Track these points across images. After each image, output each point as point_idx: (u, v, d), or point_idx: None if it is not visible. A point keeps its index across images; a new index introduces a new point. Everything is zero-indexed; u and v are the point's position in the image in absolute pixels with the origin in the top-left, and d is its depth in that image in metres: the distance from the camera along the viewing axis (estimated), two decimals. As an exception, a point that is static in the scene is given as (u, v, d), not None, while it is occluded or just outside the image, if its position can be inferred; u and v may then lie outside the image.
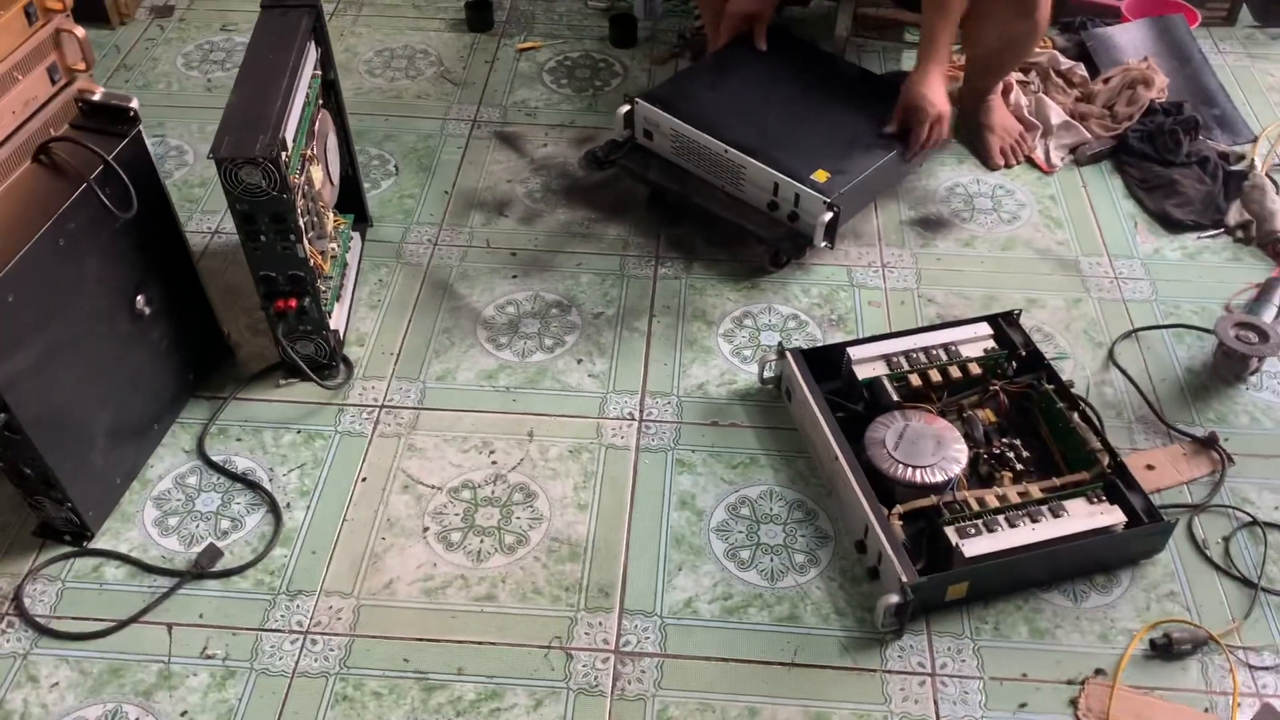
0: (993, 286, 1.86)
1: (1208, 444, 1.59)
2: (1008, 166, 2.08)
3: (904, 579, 1.34)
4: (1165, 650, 1.36)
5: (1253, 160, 2.08)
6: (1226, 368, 1.69)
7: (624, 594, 1.41)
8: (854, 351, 1.62)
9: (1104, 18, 2.40)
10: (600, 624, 1.38)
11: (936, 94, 1.84)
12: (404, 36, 2.43)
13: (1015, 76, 2.18)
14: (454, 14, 2.50)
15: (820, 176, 1.77)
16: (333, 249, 1.69)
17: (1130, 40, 2.28)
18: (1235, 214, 1.97)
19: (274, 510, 1.50)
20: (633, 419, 1.63)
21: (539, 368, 1.71)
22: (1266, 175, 2.01)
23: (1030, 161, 2.11)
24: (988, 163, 2.09)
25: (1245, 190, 1.99)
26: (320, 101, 1.66)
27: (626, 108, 1.89)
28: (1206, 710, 1.31)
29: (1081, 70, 2.23)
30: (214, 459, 1.56)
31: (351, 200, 1.86)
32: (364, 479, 1.54)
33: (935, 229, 1.97)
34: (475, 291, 1.83)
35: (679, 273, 1.87)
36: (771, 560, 1.45)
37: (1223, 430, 1.62)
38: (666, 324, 1.78)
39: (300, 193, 1.51)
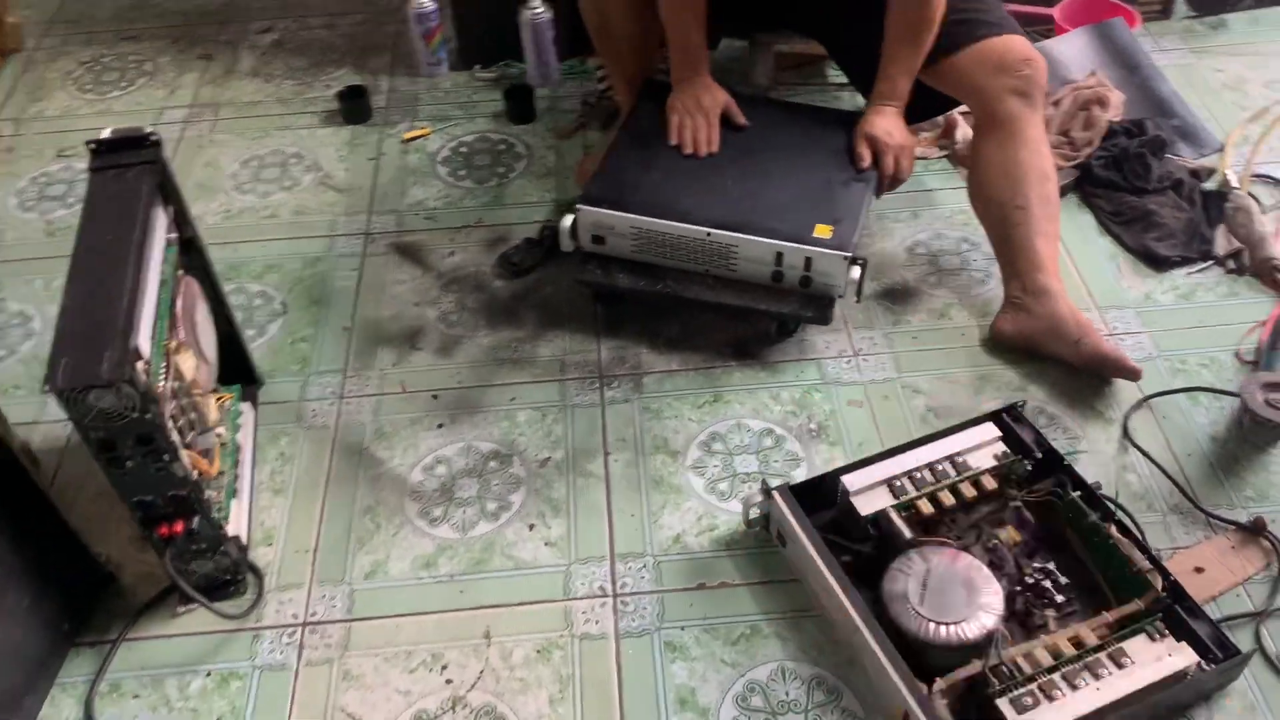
0: (982, 364, 1.65)
1: (1256, 531, 1.40)
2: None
3: (965, 784, 1.12)
4: (1271, 811, 1.16)
5: (1226, 176, 1.90)
6: (1258, 435, 1.50)
7: (632, 839, 1.17)
8: (849, 481, 1.39)
9: (1036, 27, 2.22)
10: None
11: (894, 125, 1.64)
12: (272, 140, 2.14)
13: (960, 112, 1.98)
14: (325, 106, 2.21)
15: (824, 232, 1.55)
16: (219, 437, 1.41)
17: (1072, 54, 2.10)
18: (1223, 242, 1.79)
19: (189, 791, 1.22)
20: (605, 595, 1.38)
21: (485, 542, 1.45)
22: (1248, 193, 1.84)
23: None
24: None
25: (1228, 214, 1.81)
26: (181, 271, 1.37)
27: (570, 218, 1.63)
28: None
29: (1027, 94, 2.03)
30: (107, 729, 1.28)
31: (234, 363, 1.58)
32: (295, 728, 1.27)
33: (904, 301, 1.75)
34: (396, 452, 1.57)
35: (629, 394, 1.63)
36: (798, 763, 1.22)
37: (1265, 510, 1.43)
38: (625, 462, 1.54)
39: (169, 395, 1.23)
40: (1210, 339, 1.67)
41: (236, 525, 1.42)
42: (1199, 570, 1.37)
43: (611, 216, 1.61)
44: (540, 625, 1.36)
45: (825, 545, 1.33)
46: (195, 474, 1.27)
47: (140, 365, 1.14)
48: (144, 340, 1.17)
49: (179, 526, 1.28)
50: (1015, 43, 1.64)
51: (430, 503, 1.50)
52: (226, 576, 1.38)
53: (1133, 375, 1.55)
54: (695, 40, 1.70)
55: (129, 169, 1.32)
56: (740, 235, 1.57)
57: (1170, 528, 1.43)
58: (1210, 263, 1.78)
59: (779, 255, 1.57)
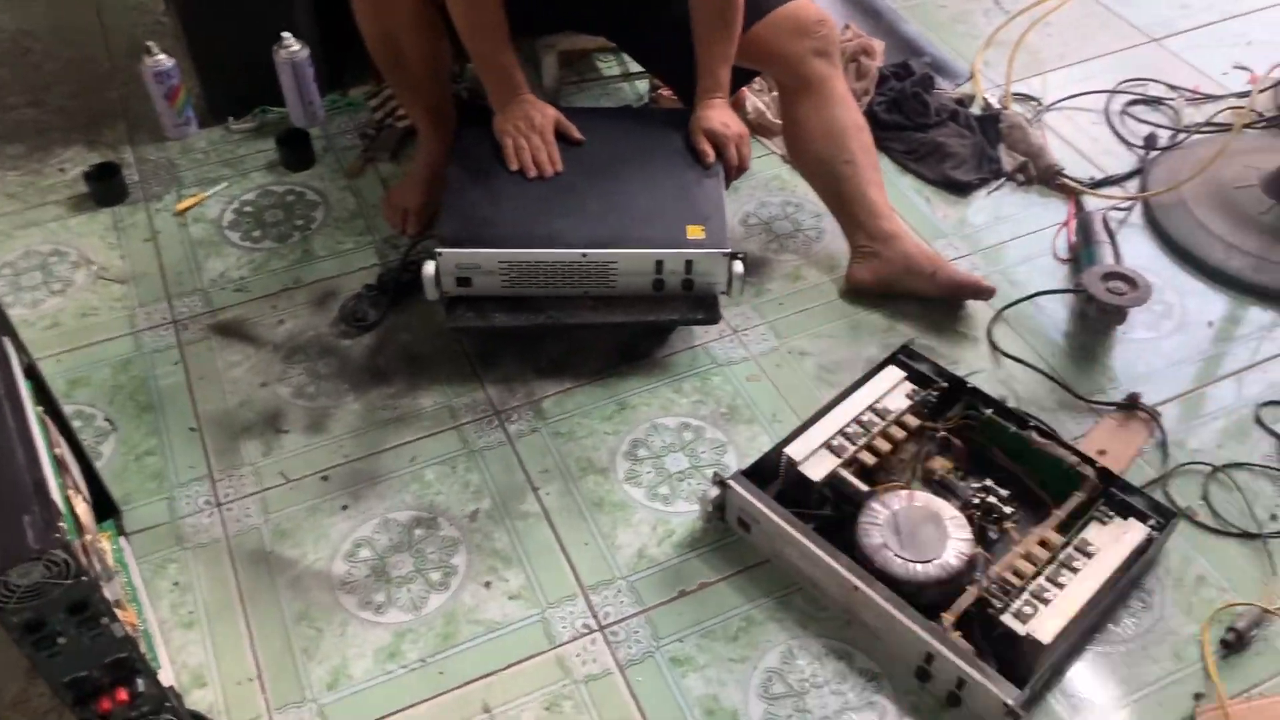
0: (849, 314, 1.72)
1: (1132, 407, 1.56)
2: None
3: (1010, 702, 1.17)
4: (1238, 644, 1.30)
5: (985, 99, 2.08)
6: (1104, 322, 1.67)
7: None
8: (792, 452, 1.41)
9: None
10: None
11: (728, 117, 1.66)
12: (17, 240, 1.85)
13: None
14: (69, 190, 1.94)
15: (696, 232, 1.54)
16: (121, 583, 1.22)
17: (823, 11, 2.21)
18: (1008, 159, 1.96)
19: None
20: (592, 630, 1.33)
21: (444, 615, 1.35)
22: (1015, 111, 2.03)
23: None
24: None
25: (1005, 132, 1.99)
26: (41, 408, 1.17)
27: (433, 264, 1.51)
28: (1305, 689, 1.27)
29: (797, 55, 2.13)
30: None
31: (93, 497, 1.37)
32: None
33: (757, 272, 1.79)
34: (307, 548, 1.42)
35: (533, 423, 1.56)
36: (841, 734, 1.23)
37: (1129, 385, 1.60)
38: (558, 492, 1.47)
39: (89, 553, 1.05)
40: (1026, 247, 1.83)
41: (166, 675, 1.24)
42: (1102, 453, 1.50)
43: (477, 255, 1.53)
44: (539, 682, 1.28)
45: (797, 522, 1.35)
46: (128, 629, 1.10)
47: (61, 525, 0.97)
48: (56, 493, 0.99)
49: (121, 695, 1.10)
50: (805, 6, 1.71)
51: (367, 591, 1.37)
52: (173, 735, 1.21)
53: (988, 294, 1.67)
54: (507, 60, 1.64)
55: (-49, 302, 1.11)
56: (617, 250, 1.53)
57: (1063, 422, 1.56)
58: (1003, 180, 1.94)
59: (659, 263, 1.55)
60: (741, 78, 1.80)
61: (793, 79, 1.72)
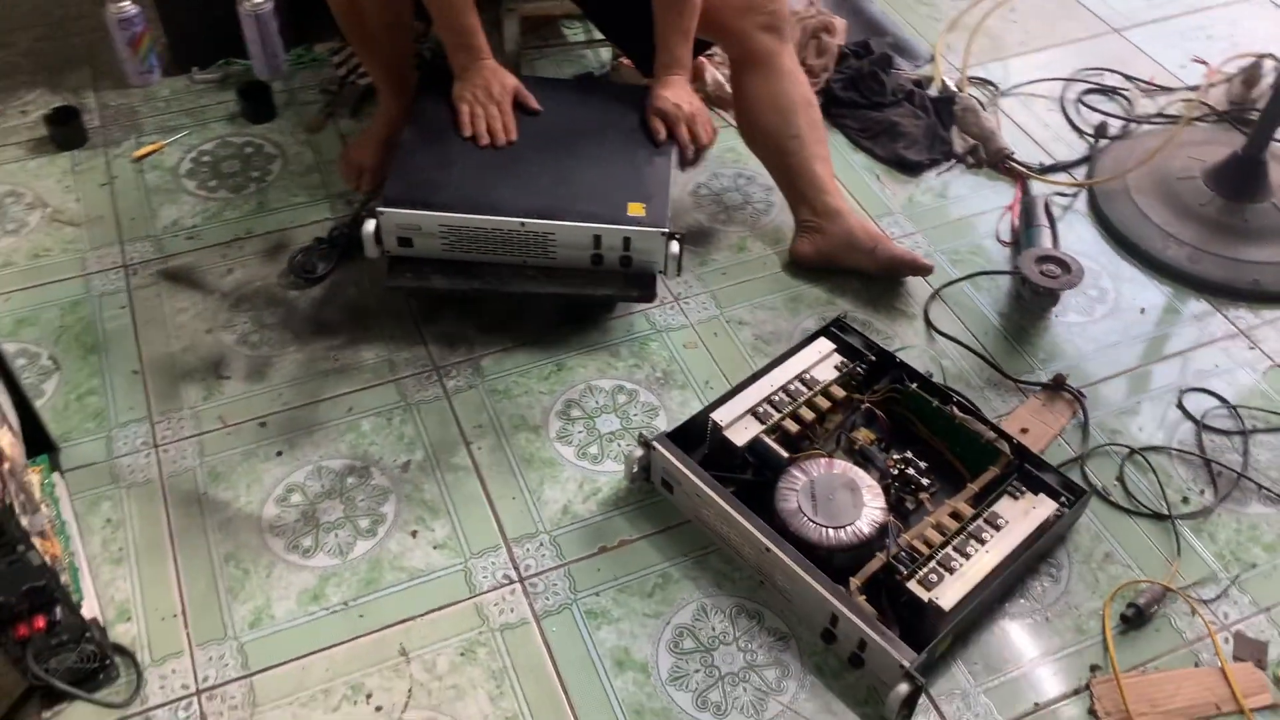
0: (789, 287, 1.75)
1: (1058, 387, 1.59)
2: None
3: (905, 664, 1.21)
4: (1137, 620, 1.34)
5: (944, 81, 2.11)
6: (1037, 304, 1.70)
7: (614, 806, 1.18)
8: (718, 417, 1.44)
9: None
10: None
11: (681, 95, 1.67)
12: (-25, 180, 1.88)
13: (705, 55, 2.06)
14: (29, 133, 1.96)
15: (637, 210, 1.56)
16: (47, 516, 1.25)
17: (789, -13, 2.23)
18: (959, 141, 1.99)
19: None
20: (511, 582, 1.36)
21: (370, 561, 1.38)
22: (969, 94, 2.05)
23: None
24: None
25: (959, 115, 2.01)
26: (-31, 341, 1.19)
27: (373, 222, 1.54)
28: (1198, 664, 1.31)
29: (760, 30, 2.15)
30: None
31: (29, 433, 1.39)
32: (225, 803, 1.17)
33: (703, 243, 1.82)
34: (240, 490, 1.45)
35: (471, 379, 1.59)
36: (744, 690, 1.27)
37: (1057, 366, 1.63)
38: (490, 447, 1.51)
39: (5, 479, 1.08)
40: (971, 228, 1.86)
41: (89, 608, 1.27)
42: (1024, 431, 1.54)
43: (417, 216, 1.55)
44: (456, 628, 1.31)
45: (716, 484, 1.38)
46: (48, 559, 1.13)
47: (-24, 450, 1.00)
48: (-27, 421, 1.01)
49: (39, 622, 1.13)
50: None
51: (296, 534, 1.40)
52: (94, 665, 1.23)
53: (925, 271, 1.70)
54: (470, 22, 1.63)
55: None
56: (555, 222, 1.55)
57: (989, 399, 1.59)
58: (953, 161, 1.97)
59: (597, 238, 1.57)
60: (698, 47, 1.82)
61: (741, 53, 1.73)
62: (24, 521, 1.13)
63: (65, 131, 1.92)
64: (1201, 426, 1.56)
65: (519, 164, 1.63)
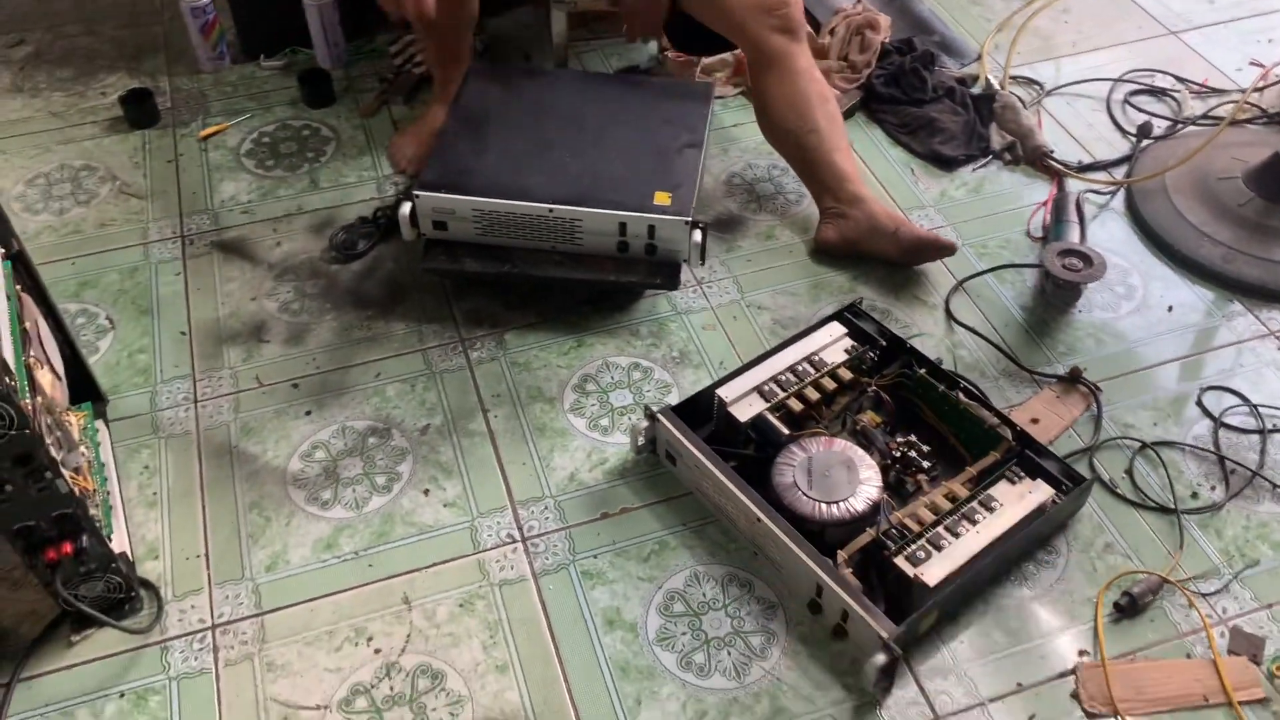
0: (813, 274, 1.77)
1: (1074, 380, 1.59)
2: None
3: (884, 635, 1.23)
4: (1130, 609, 1.33)
5: (988, 80, 2.11)
6: (1059, 298, 1.70)
7: (591, 755, 1.22)
8: (724, 393, 1.48)
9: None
10: (581, 802, 1.18)
11: None
12: (55, 155, 2.01)
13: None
14: (107, 113, 2.10)
15: (663, 199, 1.61)
16: (85, 457, 1.35)
17: (837, -15, 2.26)
18: (997, 138, 1.99)
19: (130, 813, 1.18)
20: (514, 541, 1.42)
21: (383, 515, 1.45)
22: (1010, 92, 2.05)
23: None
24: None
25: (998, 112, 2.01)
26: (19, 287, 1.30)
27: (409, 205, 1.62)
28: (1189, 655, 1.30)
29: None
30: (21, 773, 1.21)
31: (78, 382, 1.50)
32: (229, 727, 1.25)
33: (732, 230, 1.86)
34: (268, 445, 1.53)
35: (494, 351, 1.65)
36: (729, 655, 1.30)
37: (1076, 360, 1.62)
38: (505, 416, 1.57)
39: (38, 413, 1.17)
40: (1003, 224, 1.86)
41: (119, 543, 1.36)
42: (1035, 421, 1.54)
43: (451, 200, 1.62)
44: (457, 581, 1.37)
45: (716, 458, 1.42)
46: (77, 490, 1.22)
47: (8, 382, 1.09)
48: (8, 353, 1.11)
49: (67, 548, 1.22)
50: None
51: (316, 488, 1.48)
52: (119, 595, 1.32)
53: (948, 250, 1.70)
54: None
55: (-56, 184, 1.24)
56: (583, 209, 1.61)
57: (1003, 389, 1.59)
58: (990, 157, 1.97)
59: (622, 225, 1.62)
60: (721, 47, 1.88)
61: (756, 54, 1.78)
62: (57, 455, 1.23)
63: (139, 111, 2.05)
64: (1219, 424, 1.54)
65: (551, 153, 1.69)
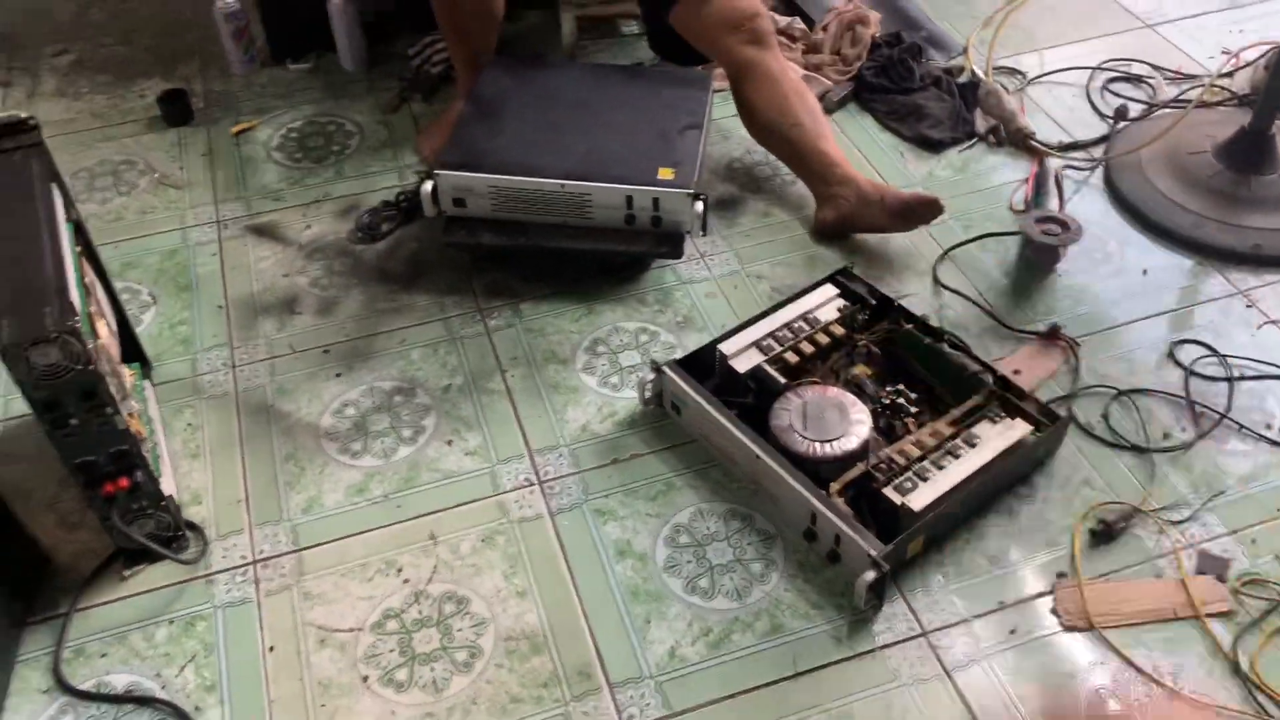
0: (809, 248, 1.89)
1: (1053, 335, 1.69)
2: None
3: (873, 553, 1.33)
4: (1105, 535, 1.43)
5: (972, 70, 2.23)
6: (1039, 262, 1.81)
7: (605, 668, 1.32)
8: (724, 347, 1.59)
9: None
10: (596, 708, 1.28)
11: None
12: (97, 151, 2.15)
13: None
14: (144, 113, 2.24)
15: (667, 174, 1.73)
16: (137, 408, 1.46)
17: (829, -15, 2.39)
18: (981, 122, 2.11)
19: (183, 721, 1.28)
20: (532, 484, 1.53)
21: (409, 463, 1.56)
22: (993, 80, 2.17)
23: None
24: None
25: (982, 98, 2.13)
26: (80, 249, 1.42)
27: (430, 184, 1.75)
28: (1159, 576, 1.40)
29: (800, 24, 2.31)
30: (82, 688, 1.31)
31: (128, 347, 1.62)
32: (271, 648, 1.35)
33: (733, 209, 1.97)
34: (302, 404, 1.65)
35: (510, 319, 1.77)
36: (731, 579, 1.41)
37: (1055, 318, 1.73)
38: (522, 375, 1.68)
39: (101, 356, 1.29)
40: (987, 200, 1.97)
41: (166, 489, 1.48)
42: (1017, 372, 1.65)
43: (470, 178, 1.75)
44: (480, 519, 1.48)
45: (719, 405, 1.53)
46: (133, 429, 1.33)
47: (77, 322, 1.20)
48: (76, 297, 1.23)
49: (123, 482, 1.34)
50: (740, 1, 1.90)
51: (347, 440, 1.60)
52: (168, 534, 1.44)
53: (935, 206, 1.79)
54: None
55: (13, 153, 1.36)
56: (592, 184, 1.73)
57: (986, 345, 1.70)
58: (975, 140, 2.09)
59: (629, 199, 1.74)
60: (698, 61, 2.02)
61: (733, 67, 1.92)
62: (118, 399, 1.35)
63: (174, 110, 2.19)
64: (1190, 372, 1.64)
65: (562, 134, 1.82)
